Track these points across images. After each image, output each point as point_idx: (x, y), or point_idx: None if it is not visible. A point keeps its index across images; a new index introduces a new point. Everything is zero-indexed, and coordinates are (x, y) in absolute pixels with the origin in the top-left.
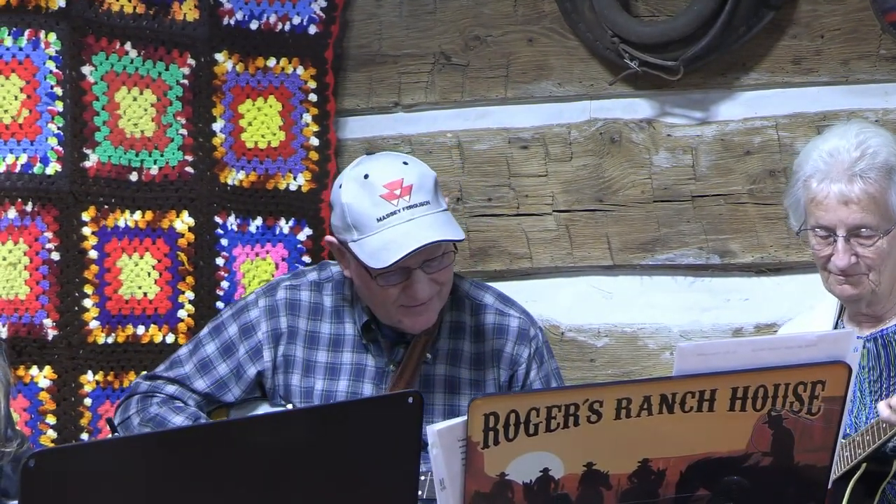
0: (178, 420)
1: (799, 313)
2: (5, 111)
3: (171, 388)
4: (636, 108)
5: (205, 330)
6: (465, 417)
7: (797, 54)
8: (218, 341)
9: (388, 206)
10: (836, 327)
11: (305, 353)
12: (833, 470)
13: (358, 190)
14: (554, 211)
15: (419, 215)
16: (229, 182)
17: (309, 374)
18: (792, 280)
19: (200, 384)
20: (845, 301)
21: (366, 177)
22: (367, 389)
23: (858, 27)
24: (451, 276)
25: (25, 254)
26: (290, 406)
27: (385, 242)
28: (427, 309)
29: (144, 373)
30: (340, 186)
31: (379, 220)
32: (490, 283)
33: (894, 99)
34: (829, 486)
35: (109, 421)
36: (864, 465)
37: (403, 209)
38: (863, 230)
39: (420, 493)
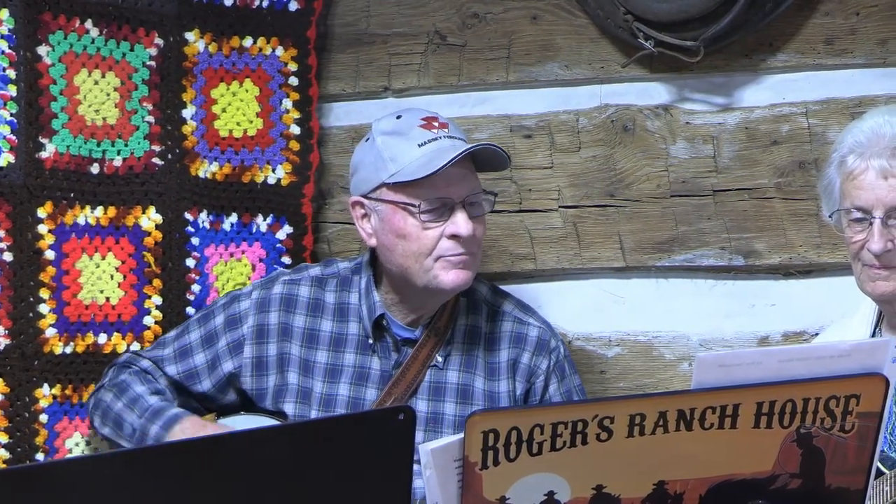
0: (141, 389)
1: (832, 321)
2: None
3: (145, 364)
4: (651, 93)
5: (196, 315)
6: (461, 435)
7: (830, 33)
8: (203, 329)
9: (429, 133)
10: (874, 336)
11: (304, 353)
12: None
13: (393, 128)
14: (560, 207)
15: (461, 144)
16: (201, 175)
17: (307, 375)
18: (824, 283)
19: (172, 369)
20: (879, 300)
21: (398, 117)
22: (371, 395)
23: None
24: (483, 234)
25: None
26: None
27: (431, 157)
28: (467, 262)
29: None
30: (368, 139)
31: (420, 145)
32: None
33: None
34: None
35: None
36: None
37: (444, 137)
38: None
39: None
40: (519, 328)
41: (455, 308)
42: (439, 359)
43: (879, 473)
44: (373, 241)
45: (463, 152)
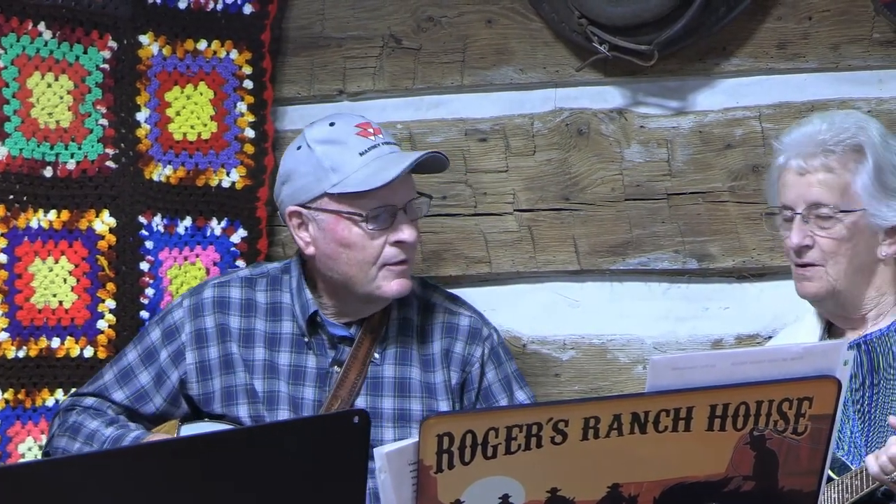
0: (95, 424)
1: (785, 324)
2: None
3: (90, 401)
4: (606, 96)
5: (132, 340)
6: (416, 439)
7: (782, 38)
8: (140, 348)
9: (367, 141)
10: (822, 338)
11: (243, 352)
12: None
13: (328, 136)
14: (515, 210)
15: (396, 149)
16: (155, 178)
17: (250, 373)
18: (777, 287)
19: (119, 395)
20: (810, 301)
21: (331, 124)
22: (309, 393)
23: (850, 8)
24: (418, 236)
25: None
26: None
27: (376, 165)
28: (407, 272)
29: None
30: (300, 147)
31: (361, 153)
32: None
33: (888, 87)
34: None
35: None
36: None
37: (383, 144)
38: (821, 208)
39: None
40: (450, 318)
41: (388, 305)
42: (377, 356)
43: (829, 479)
44: (311, 250)
45: (414, 162)
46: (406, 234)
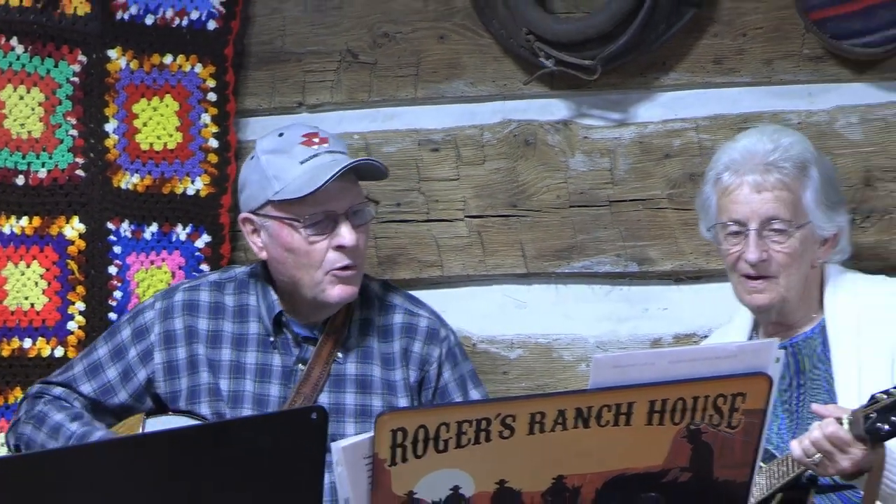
0: (60, 417)
1: (720, 324)
2: None
3: (58, 391)
4: (552, 108)
5: (102, 335)
6: (371, 433)
7: (718, 53)
8: (110, 345)
9: (309, 150)
10: (750, 338)
11: (209, 353)
12: (751, 494)
13: (275, 146)
14: (466, 216)
15: (342, 156)
16: (122, 186)
17: (215, 373)
18: (712, 288)
19: (86, 388)
20: (755, 311)
21: (280, 134)
22: (275, 390)
23: (781, 25)
24: (367, 243)
25: None
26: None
27: (313, 171)
28: (352, 277)
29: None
30: (253, 157)
31: (301, 162)
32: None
33: (818, 100)
34: None
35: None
36: (778, 494)
37: (325, 153)
38: (775, 222)
39: None
40: (410, 319)
41: (350, 305)
42: (340, 354)
43: (759, 468)
44: (263, 255)
45: (340, 170)
46: (346, 238)
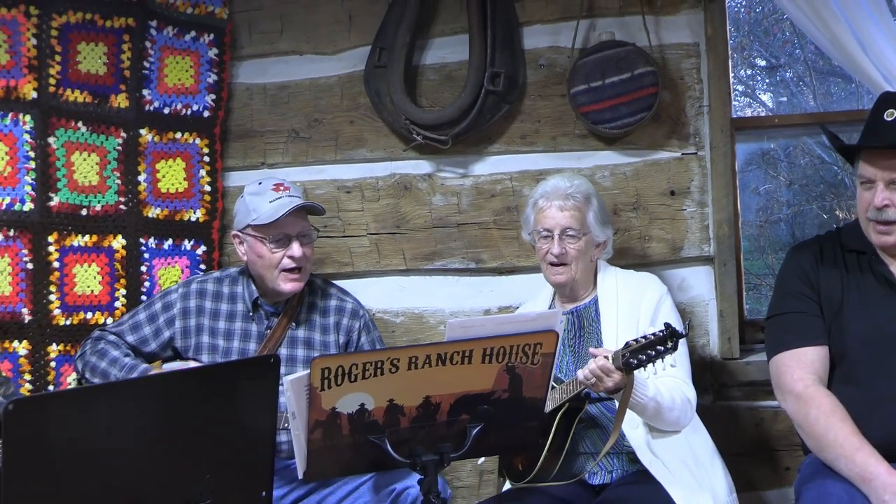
0: (117, 353)
1: (525, 300)
2: None
3: (112, 337)
4: (421, 166)
5: (142, 304)
6: (308, 371)
7: (524, 132)
8: (147, 312)
9: (276, 194)
10: (550, 307)
11: (210, 322)
12: (546, 405)
13: (255, 190)
14: (368, 234)
15: (297, 199)
16: (150, 215)
17: (213, 336)
18: (521, 278)
19: (130, 338)
20: (556, 286)
21: (259, 183)
22: (252, 347)
23: (562, 115)
24: (312, 255)
25: (9, 265)
26: (192, 362)
27: (276, 208)
28: (298, 277)
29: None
30: (242, 196)
31: (270, 201)
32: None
33: (584, 161)
34: (545, 412)
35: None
36: (566, 404)
37: (286, 196)
38: (570, 231)
39: (278, 425)
40: (340, 303)
41: (301, 292)
42: (293, 324)
43: (552, 388)
44: (245, 258)
45: (293, 208)
46: (296, 252)
